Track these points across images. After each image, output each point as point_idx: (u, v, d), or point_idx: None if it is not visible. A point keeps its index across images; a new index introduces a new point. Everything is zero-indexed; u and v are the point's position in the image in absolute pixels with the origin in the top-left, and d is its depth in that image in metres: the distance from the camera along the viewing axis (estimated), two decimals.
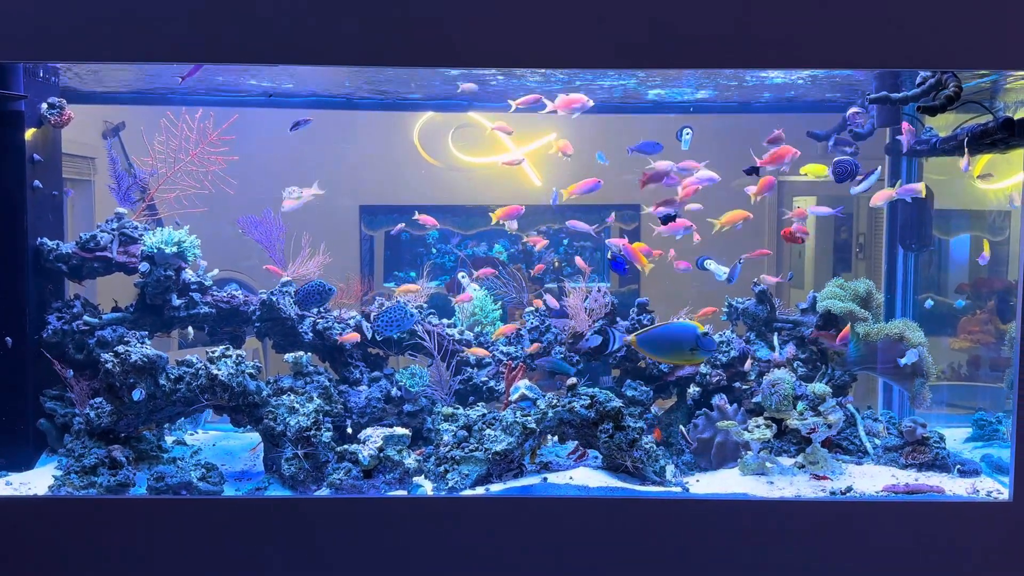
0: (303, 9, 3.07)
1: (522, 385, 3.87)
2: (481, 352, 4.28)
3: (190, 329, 4.27)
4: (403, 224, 4.89)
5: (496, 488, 3.50)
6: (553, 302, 4.38)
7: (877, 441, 3.98)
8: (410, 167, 5.38)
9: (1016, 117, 3.58)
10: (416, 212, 4.74)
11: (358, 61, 3.22)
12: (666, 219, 4.24)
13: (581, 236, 5.26)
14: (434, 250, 5.65)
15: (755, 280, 4.38)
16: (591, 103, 3.97)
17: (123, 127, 4.69)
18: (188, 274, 4.22)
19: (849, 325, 4.11)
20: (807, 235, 4.34)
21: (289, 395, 3.82)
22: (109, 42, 3.10)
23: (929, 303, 4.68)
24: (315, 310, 4.31)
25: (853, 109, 4.27)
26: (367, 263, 5.58)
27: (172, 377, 3.65)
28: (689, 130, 4.18)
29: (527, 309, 4.54)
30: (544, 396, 3.82)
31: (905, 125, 4.02)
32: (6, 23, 3.08)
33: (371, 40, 3.10)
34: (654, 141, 4.14)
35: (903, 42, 3.10)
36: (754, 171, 4.05)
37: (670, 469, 3.76)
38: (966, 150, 3.89)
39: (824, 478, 3.66)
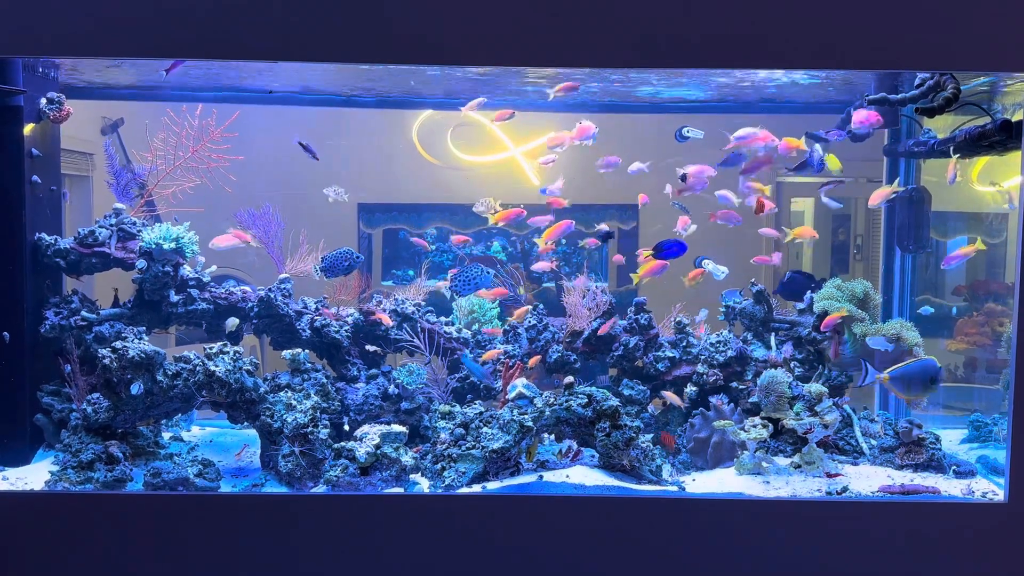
0: (296, 5, 3.07)
1: (519, 383, 3.87)
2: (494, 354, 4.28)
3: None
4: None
5: (493, 486, 3.50)
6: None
7: (873, 441, 3.99)
8: (409, 165, 5.38)
9: (1014, 119, 3.59)
10: (452, 237, 4.76)
11: (355, 58, 3.22)
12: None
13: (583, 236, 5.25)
14: (432, 248, 5.65)
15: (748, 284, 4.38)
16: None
17: (121, 123, 4.69)
18: (186, 270, 4.22)
19: (834, 314, 4.13)
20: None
21: (287, 392, 3.82)
22: (106, 38, 3.09)
23: (928, 309, 4.66)
24: (314, 307, 4.31)
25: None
26: (365, 261, 5.58)
27: (170, 373, 3.65)
28: (689, 128, 4.18)
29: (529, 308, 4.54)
30: (541, 395, 3.82)
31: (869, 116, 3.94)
32: (4, 18, 3.07)
33: (366, 36, 3.10)
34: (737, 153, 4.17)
35: (902, 43, 3.10)
36: (684, 179, 4.09)
37: (666, 468, 3.77)
38: (953, 161, 3.89)
39: (837, 475, 3.67)
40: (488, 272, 4.12)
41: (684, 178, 4.09)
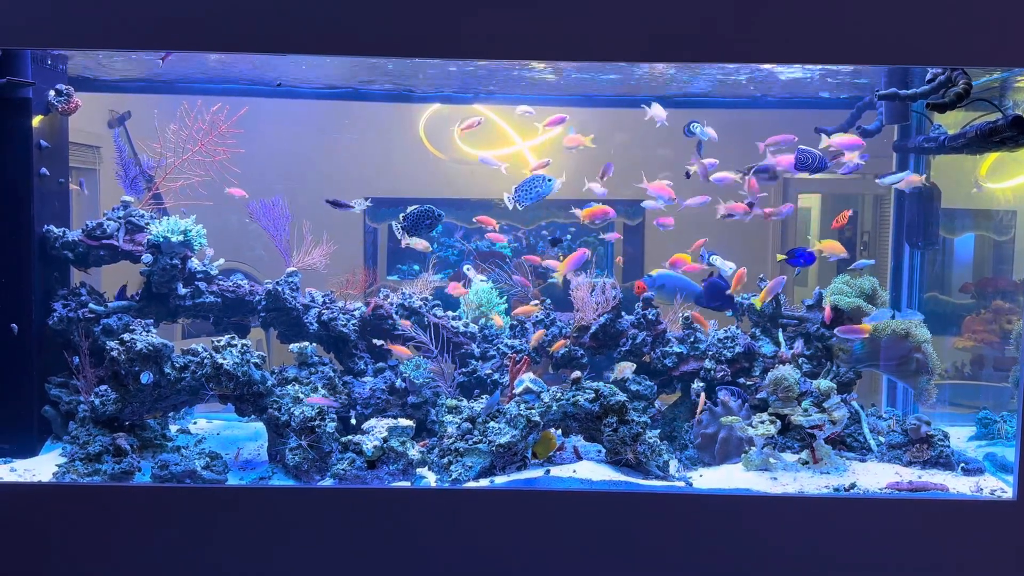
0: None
1: (526, 378, 3.86)
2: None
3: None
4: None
5: (499, 480, 3.50)
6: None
7: (881, 438, 3.98)
8: (416, 159, 5.37)
9: None
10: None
11: (367, 51, 3.21)
12: (554, 242, 4.26)
13: (588, 232, 5.23)
14: (436, 244, 5.64)
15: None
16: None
17: (128, 116, 4.68)
18: (194, 263, 4.22)
19: (828, 307, 4.14)
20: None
21: (294, 385, 3.82)
22: (110, 30, 3.09)
23: (916, 313, 4.56)
24: (321, 298, 4.31)
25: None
26: (370, 255, 5.57)
27: (177, 366, 3.65)
28: (697, 124, 4.16)
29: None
30: (548, 389, 3.82)
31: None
32: (13, 10, 3.07)
33: (375, 29, 3.09)
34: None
35: (913, 38, 3.09)
36: (691, 133, 4.07)
37: (673, 464, 3.76)
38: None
39: (817, 461, 3.66)
40: (551, 180, 3.90)
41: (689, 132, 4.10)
